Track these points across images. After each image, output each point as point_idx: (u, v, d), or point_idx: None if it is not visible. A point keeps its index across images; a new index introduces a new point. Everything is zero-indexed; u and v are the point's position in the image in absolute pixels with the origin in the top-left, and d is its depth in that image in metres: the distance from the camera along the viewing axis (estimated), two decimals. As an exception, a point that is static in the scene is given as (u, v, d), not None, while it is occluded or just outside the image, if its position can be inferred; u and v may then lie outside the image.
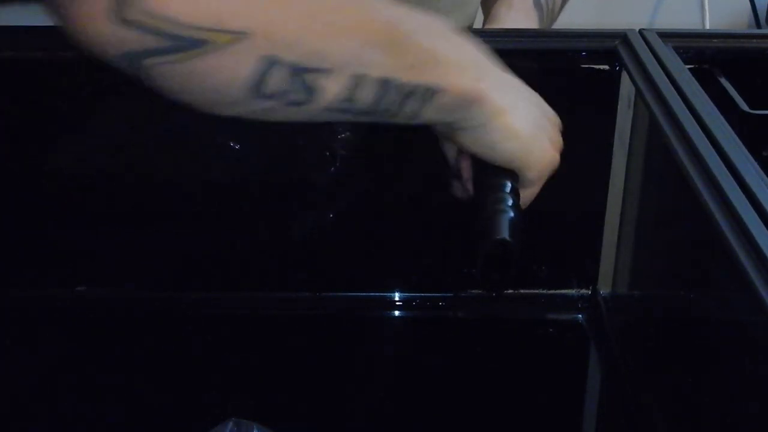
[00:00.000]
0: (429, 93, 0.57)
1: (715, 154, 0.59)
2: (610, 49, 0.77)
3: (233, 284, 0.86)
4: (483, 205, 0.60)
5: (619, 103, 0.79)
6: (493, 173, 0.62)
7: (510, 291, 0.87)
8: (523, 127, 0.61)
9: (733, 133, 0.61)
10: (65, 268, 0.85)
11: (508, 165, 0.62)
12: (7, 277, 0.83)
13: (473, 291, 0.86)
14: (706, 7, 1.81)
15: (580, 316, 0.86)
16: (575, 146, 0.74)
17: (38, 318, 0.84)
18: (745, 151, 0.59)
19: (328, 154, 0.80)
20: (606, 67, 0.78)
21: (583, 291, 0.87)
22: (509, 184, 0.61)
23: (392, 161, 0.82)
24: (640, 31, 0.78)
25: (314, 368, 0.78)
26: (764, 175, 0.56)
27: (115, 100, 0.79)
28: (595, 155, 0.81)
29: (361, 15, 0.55)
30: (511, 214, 0.59)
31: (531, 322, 0.86)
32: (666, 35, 0.77)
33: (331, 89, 0.53)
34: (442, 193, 0.69)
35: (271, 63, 0.51)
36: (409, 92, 0.56)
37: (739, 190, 0.55)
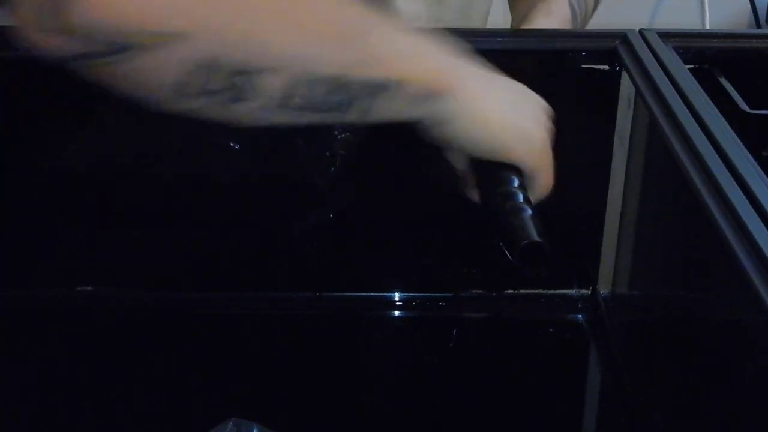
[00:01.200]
0: (389, 87, 0.56)
1: (715, 154, 0.59)
2: (610, 49, 0.77)
3: (233, 284, 0.86)
4: (497, 206, 0.60)
5: (619, 103, 0.79)
6: (495, 169, 0.62)
7: (510, 291, 0.87)
8: (499, 114, 0.60)
9: (733, 133, 0.61)
10: (65, 268, 0.85)
11: (494, 153, 0.61)
12: (7, 277, 0.83)
13: (473, 291, 0.87)
14: (706, 7, 1.81)
15: (580, 316, 0.86)
16: (575, 146, 0.74)
17: (38, 318, 0.84)
18: (745, 151, 0.59)
19: (328, 154, 0.80)
20: (606, 67, 0.78)
21: (583, 291, 0.87)
22: (515, 179, 0.61)
23: (392, 161, 0.82)
24: (640, 31, 0.78)
25: (314, 368, 0.78)
26: (764, 175, 0.56)
27: (115, 100, 0.78)
28: (595, 155, 0.81)
29: (306, 13, 0.54)
30: (527, 208, 0.59)
31: (531, 322, 0.86)
32: (666, 35, 0.77)
33: (275, 87, 0.53)
34: (442, 193, 0.69)
35: (207, 63, 0.51)
36: (367, 88, 0.56)
37: (739, 190, 0.55)
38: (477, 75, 0.61)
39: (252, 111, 0.55)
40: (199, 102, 0.53)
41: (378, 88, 0.56)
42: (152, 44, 0.50)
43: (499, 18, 0.99)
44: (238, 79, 0.52)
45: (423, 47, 0.59)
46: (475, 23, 0.95)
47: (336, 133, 0.80)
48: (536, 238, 0.57)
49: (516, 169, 0.62)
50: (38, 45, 0.50)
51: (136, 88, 0.53)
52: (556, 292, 0.87)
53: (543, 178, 0.63)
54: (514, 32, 0.85)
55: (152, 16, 0.49)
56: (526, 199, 0.60)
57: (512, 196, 0.60)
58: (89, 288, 0.86)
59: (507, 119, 0.61)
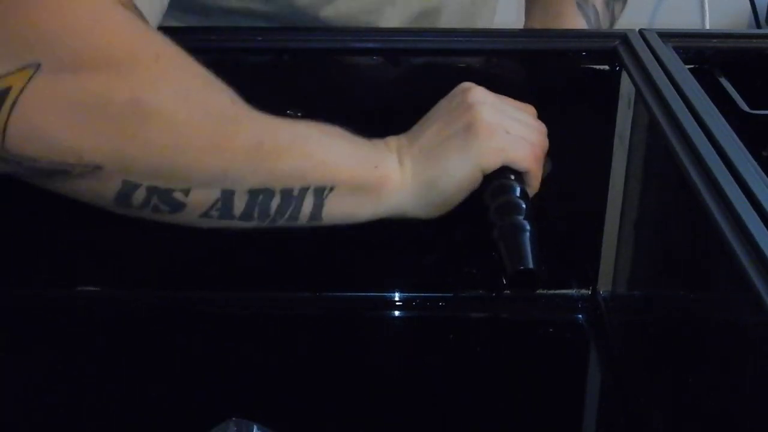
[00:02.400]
0: (321, 193, 0.59)
1: (715, 154, 0.59)
2: (610, 49, 0.77)
3: (233, 284, 0.86)
4: (495, 217, 0.61)
5: (619, 103, 0.79)
6: (495, 176, 0.62)
7: (510, 291, 0.87)
8: (440, 170, 0.62)
9: (733, 133, 0.61)
10: (65, 268, 0.85)
11: (463, 195, 0.63)
12: (7, 277, 0.83)
13: (473, 291, 0.87)
14: (706, 7, 1.81)
15: (580, 316, 0.86)
16: (575, 146, 0.74)
17: (38, 318, 0.84)
18: (745, 151, 0.59)
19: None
20: (606, 67, 0.78)
21: (583, 291, 0.87)
22: (518, 187, 0.61)
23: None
24: (640, 31, 0.78)
25: (314, 368, 0.78)
26: (764, 175, 0.56)
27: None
28: (595, 155, 0.81)
29: (227, 137, 0.56)
30: (528, 228, 0.59)
31: (531, 322, 0.86)
32: (666, 35, 0.77)
33: (200, 203, 0.57)
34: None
35: (131, 186, 0.54)
36: (296, 196, 0.58)
37: (739, 190, 0.55)
38: (405, 150, 0.63)
39: (190, 221, 0.58)
40: (141, 213, 0.57)
41: (319, 192, 0.59)
42: (77, 172, 0.53)
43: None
44: (162, 196, 0.55)
45: (352, 150, 0.61)
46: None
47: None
48: (530, 265, 0.58)
49: (518, 176, 0.62)
50: None
51: (82, 199, 0.57)
52: (556, 292, 0.86)
53: (531, 180, 0.64)
54: (515, 32, 0.85)
55: (71, 149, 0.52)
56: (528, 214, 0.60)
57: (514, 209, 0.60)
58: (89, 288, 0.86)
59: (448, 167, 0.62)
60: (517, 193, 0.61)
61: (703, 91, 0.67)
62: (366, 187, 0.61)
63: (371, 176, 0.61)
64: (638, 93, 0.71)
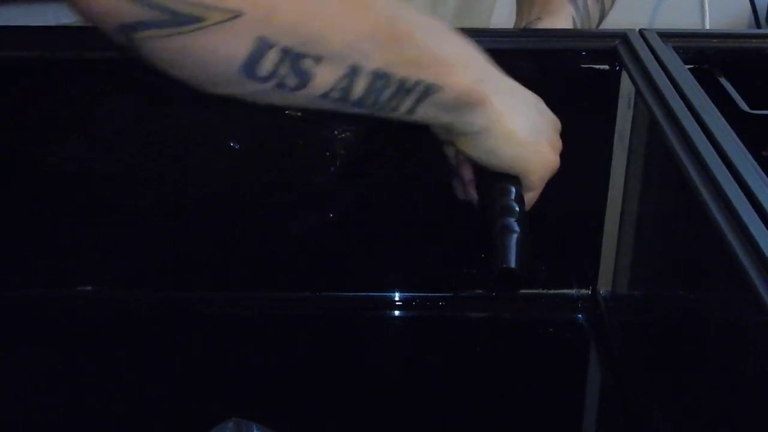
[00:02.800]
0: (428, 90, 0.57)
1: (715, 154, 0.59)
2: (610, 49, 0.77)
3: (233, 284, 0.86)
4: (491, 219, 0.61)
5: (619, 102, 0.79)
6: (496, 178, 0.62)
7: (495, 291, 0.87)
8: (523, 132, 0.61)
9: (733, 133, 0.61)
10: (65, 268, 0.85)
11: (509, 170, 0.62)
12: (7, 277, 0.83)
13: (473, 291, 0.87)
14: (706, 7, 1.81)
15: (580, 316, 0.86)
16: (575, 146, 0.74)
17: (38, 318, 0.84)
18: (745, 151, 0.59)
19: (328, 154, 0.80)
20: (606, 67, 0.78)
21: (583, 291, 0.87)
22: (514, 190, 0.61)
23: (392, 161, 0.82)
24: (640, 31, 0.78)
25: (314, 368, 0.78)
26: (764, 175, 0.56)
27: (116, 99, 0.79)
28: (595, 155, 0.81)
29: (362, 6, 0.54)
30: (517, 229, 0.59)
31: (531, 322, 0.86)
32: (666, 35, 0.77)
33: (326, 77, 0.53)
34: (443, 193, 0.69)
35: (266, 45, 0.51)
36: (408, 88, 0.56)
37: (739, 190, 0.55)
38: (508, 89, 0.62)
39: (306, 100, 0.55)
40: (265, 86, 0.53)
41: (427, 90, 0.57)
42: (213, 20, 0.49)
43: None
44: (293, 64, 0.52)
45: (468, 53, 0.60)
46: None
47: (336, 133, 0.80)
48: (513, 264, 0.58)
49: (515, 180, 0.62)
50: (97, 10, 0.49)
51: (188, 66, 0.52)
52: (556, 292, 0.87)
53: (532, 196, 0.64)
54: (514, 32, 0.85)
55: None
56: (521, 217, 0.60)
57: (507, 211, 0.60)
58: (89, 288, 0.86)
59: (531, 140, 0.62)
60: (513, 196, 0.61)
61: (703, 91, 0.67)
62: (466, 98, 0.59)
63: (474, 89, 0.59)
64: (638, 93, 0.71)
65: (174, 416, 0.73)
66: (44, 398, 0.75)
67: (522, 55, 0.78)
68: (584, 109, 0.79)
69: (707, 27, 1.79)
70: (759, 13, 1.78)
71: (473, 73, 0.59)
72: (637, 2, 1.80)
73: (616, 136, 0.80)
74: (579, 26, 0.87)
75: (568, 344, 0.84)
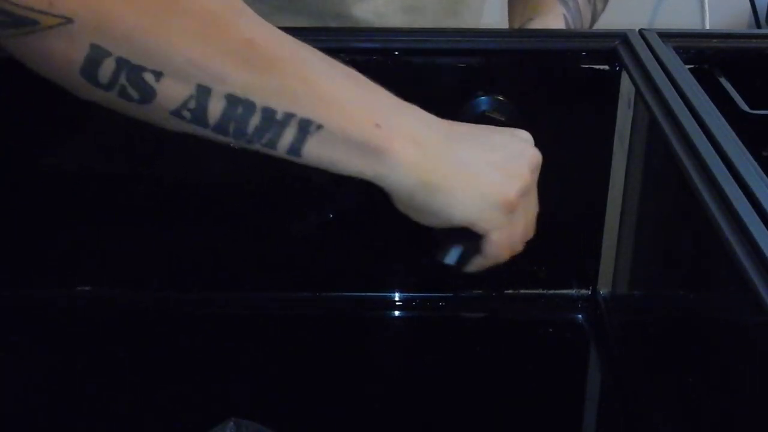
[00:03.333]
0: (306, 127, 0.53)
1: (715, 154, 0.59)
2: (610, 49, 0.77)
3: (233, 284, 0.86)
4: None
5: (619, 103, 0.79)
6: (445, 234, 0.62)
7: (509, 291, 0.87)
8: (452, 180, 0.56)
9: (733, 133, 0.61)
10: (65, 268, 0.85)
11: (450, 225, 0.59)
12: (7, 277, 0.83)
13: (473, 291, 0.87)
14: (706, 7, 1.81)
15: (580, 316, 0.86)
16: (575, 146, 0.74)
17: (38, 318, 0.84)
18: (745, 151, 0.59)
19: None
20: (606, 67, 0.78)
21: (583, 291, 0.87)
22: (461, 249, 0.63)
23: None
24: (640, 31, 0.78)
25: (314, 368, 0.78)
26: (764, 175, 0.56)
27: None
28: (595, 155, 0.81)
29: (216, 26, 0.52)
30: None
31: (531, 322, 0.86)
32: (666, 35, 0.77)
33: (171, 94, 0.52)
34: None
35: (101, 53, 0.50)
36: (278, 120, 0.53)
37: (739, 190, 0.55)
38: (430, 129, 0.57)
39: (159, 116, 0.53)
40: (108, 96, 0.52)
41: (305, 126, 0.54)
42: (46, 24, 0.49)
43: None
44: (132, 75, 0.51)
45: (360, 96, 0.56)
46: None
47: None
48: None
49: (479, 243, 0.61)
50: None
51: (42, 68, 0.52)
52: (556, 292, 0.87)
53: (496, 237, 0.61)
54: (515, 32, 0.85)
55: None
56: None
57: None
58: (89, 288, 0.86)
59: (460, 184, 0.57)
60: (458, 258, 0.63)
61: (703, 91, 0.67)
62: (359, 143, 0.54)
63: (368, 133, 0.54)
64: (638, 93, 0.71)
65: (174, 416, 0.73)
66: (44, 398, 0.75)
67: (522, 55, 0.78)
68: (584, 109, 0.79)
69: (707, 27, 1.79)
70: (759, 13, 1.78)
71: (369, 115, 0.54)
72: (637, 2, 1.80)
73: (616, 136, 0.80)
74: (571, 26, 0.87)
75: (568, 344, 0.84)
